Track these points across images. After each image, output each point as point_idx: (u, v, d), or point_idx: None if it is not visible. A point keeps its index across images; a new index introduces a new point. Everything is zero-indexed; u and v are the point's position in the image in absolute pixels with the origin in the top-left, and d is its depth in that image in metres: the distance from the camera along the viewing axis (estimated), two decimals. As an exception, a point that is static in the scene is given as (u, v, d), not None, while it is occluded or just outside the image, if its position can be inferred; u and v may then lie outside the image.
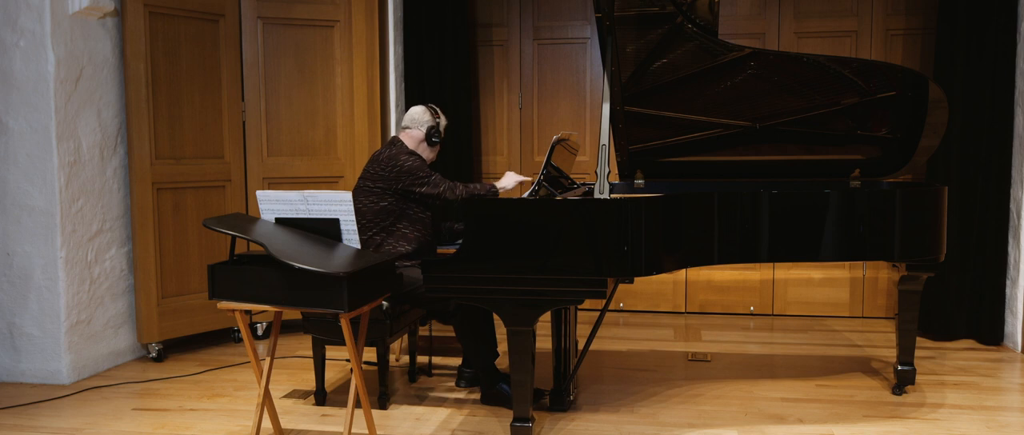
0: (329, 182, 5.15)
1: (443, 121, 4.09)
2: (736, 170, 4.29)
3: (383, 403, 3.83)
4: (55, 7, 4.16)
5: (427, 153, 4.01)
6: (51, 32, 4.14)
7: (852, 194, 3.58)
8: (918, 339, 4.51)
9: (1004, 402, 3.88)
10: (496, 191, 3.89)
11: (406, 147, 3.95)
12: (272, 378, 4.10)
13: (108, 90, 4.50)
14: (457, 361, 4.54)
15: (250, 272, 3.04)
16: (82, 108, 4.33)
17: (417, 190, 3.81)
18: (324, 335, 3.81)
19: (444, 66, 5.66)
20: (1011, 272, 4.94)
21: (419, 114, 4.02)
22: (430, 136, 3.99)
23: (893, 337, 5.08)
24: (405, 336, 4.58)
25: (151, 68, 4.58)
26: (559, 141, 3.68)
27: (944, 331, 5.08)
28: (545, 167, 3.56)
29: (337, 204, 3.22)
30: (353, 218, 3.23)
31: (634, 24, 3.62)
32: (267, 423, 3.49)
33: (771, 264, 5.75)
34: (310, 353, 4.68)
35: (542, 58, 5.93)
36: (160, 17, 4.62)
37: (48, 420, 3.73)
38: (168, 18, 4.66)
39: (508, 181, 4.02)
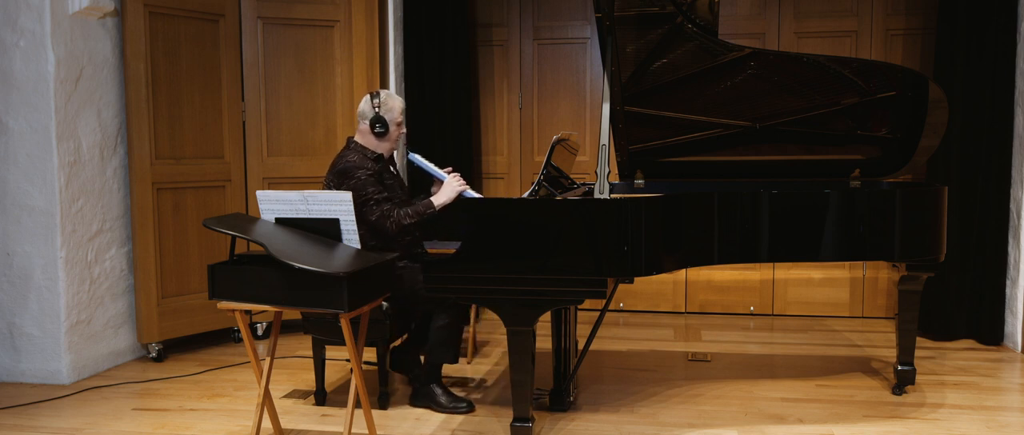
0: (329, 182, 5.15)
1: (395, 104, 3.82)
2: (736, 170, 4.29)
3: (383, 403, 3.83)
4: (55, 7, 4.16)
5: (379, 146, 3.84)
6: (51, 32, 4.14)
7: (852, 194, 3.58)
8: (918, 339, 4.50)
9: (1004, 402, 3.88)
10: (433, 206, 3.65)
11: (359, 148, 3.81)
12: (272, 378, 4.10)
13: (108, 90, 4.50)
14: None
15: (250, 272, 3.04)
16: (82, 108, 4.33)
17: (365, 213, 3.65)
18: (324, 335, 3.81)
19: (444, 66, 5.66)
20: (1011, 272, 4.94)
21: (363, 107, 3.83)
22: (373, 127, 3.79)
23: (893, 337, 5.08)
24: (405, 336, 4.58)
25: (151, 68, 4.58)
26: (559, 141, 3.68)
27: (944, 331, 5.08)
28: (545, 167, 3.56)
29: (337, 204, 3.22)
30: (353, 218, 3.23)
31: (634, 24, 3.63)
32: (267, 423, 3.49)
33: (771, 264, 5.75)
34: (310, 353, 4.68)
35: (542, 58, 5.93)
36: (160, 17, 4.61)
37: (48, 420, 3.73)
38: (168, 18, 4.66)
39: (444, 194, 3.67)
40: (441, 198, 3.68)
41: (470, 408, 3.76)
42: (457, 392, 4.00)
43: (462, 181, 3.72)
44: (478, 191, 6.04)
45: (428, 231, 3.91)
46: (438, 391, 3.80)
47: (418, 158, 3.80)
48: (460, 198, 3.66)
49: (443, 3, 5.64)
